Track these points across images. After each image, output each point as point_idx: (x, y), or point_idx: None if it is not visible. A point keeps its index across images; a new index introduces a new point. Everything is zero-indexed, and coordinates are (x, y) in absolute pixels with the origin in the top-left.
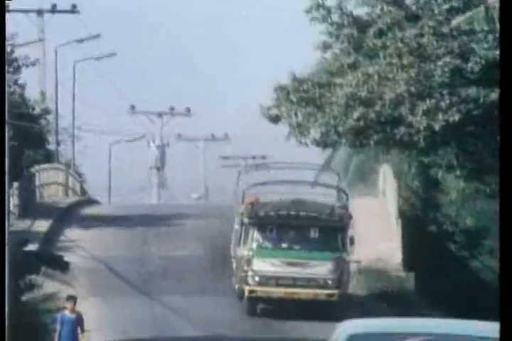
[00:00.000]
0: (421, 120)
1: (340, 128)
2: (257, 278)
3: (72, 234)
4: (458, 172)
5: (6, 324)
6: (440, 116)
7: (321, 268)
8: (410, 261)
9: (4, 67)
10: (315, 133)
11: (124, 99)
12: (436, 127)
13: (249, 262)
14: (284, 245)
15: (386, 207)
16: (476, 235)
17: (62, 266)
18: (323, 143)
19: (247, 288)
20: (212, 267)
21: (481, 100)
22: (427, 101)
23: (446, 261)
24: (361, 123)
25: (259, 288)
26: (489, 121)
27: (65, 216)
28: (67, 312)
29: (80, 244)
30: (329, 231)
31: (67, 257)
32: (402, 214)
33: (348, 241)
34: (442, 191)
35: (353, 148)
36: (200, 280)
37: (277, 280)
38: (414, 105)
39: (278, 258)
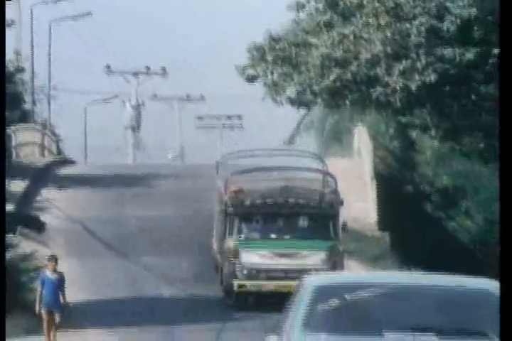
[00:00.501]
0: (397, 80)
1: (315, 88)
2: (245, 272)
3: (48, 194)
4: (433, 133)
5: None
6: (416, 76)
7: (314, 258)
8: (385, 221)
9: (4, 67)
10: (291, 92)
11: (100, 58)
12: (413, 87)
13: (236, 255)
14: (272, 235)
15: (361, 167)
16: (452, 195)
17: (39, 226)
18: (298, 103)
19: (235, 283)
20: (188, 227)
21: (457, 60)
22: (403, 61)
23: (422, 221)
24: (337, 83)
25: (248, 282)
26: (465, 81)
27: (41, 176)
28: (48, 273)
29: (56, 204)
30: (320, 219)
31: (44, 217)
32: (377, 174)
33: (340, 228)
34: (418, 151)
35: (328, 108)
36: (176, 241)
37: (267, 273)
38: (390, 65)
39: (267, 250)
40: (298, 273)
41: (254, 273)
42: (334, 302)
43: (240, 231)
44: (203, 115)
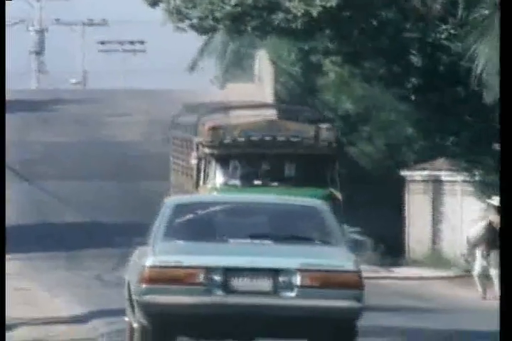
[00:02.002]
0: (298, 6)
1: (217, 14)
2: None
3: None
4: (334, 58)
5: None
6: (317, 2)
7: None
8: None
9: (4, 67)
10: (193, 18)
11: None
12: (314, 13)
13: None
14: (257, 181)
15: (262, 93)
16: (354, 120)
17: None
18: (200, 29)
19: None
20: (92, 152)
21: None
22: None
23: None
24: (238, 9)
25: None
26: (365, 6)
27: None
28: None
29: None
30: (316, 161)
31: None
32: (278, 99)
33: (337, 173)
34: (320, 76)
35: (230, 34)
36: (79, 166)
37: None
38: None
39: None
40: None
41: None
42: (189, 216)
43: (217, 177)
44: (105, 40)
